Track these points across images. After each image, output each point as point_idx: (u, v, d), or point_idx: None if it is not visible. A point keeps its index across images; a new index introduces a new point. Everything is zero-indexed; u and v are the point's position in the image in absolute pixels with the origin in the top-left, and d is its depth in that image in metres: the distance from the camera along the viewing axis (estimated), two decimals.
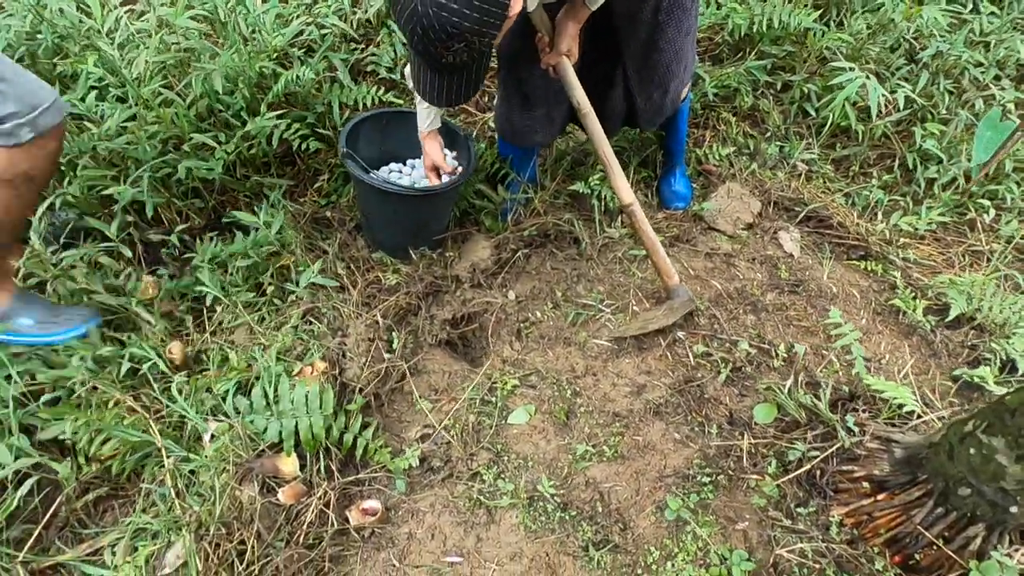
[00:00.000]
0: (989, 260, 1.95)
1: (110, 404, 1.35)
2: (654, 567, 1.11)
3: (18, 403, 1.30)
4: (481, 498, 1.30)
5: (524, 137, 1.79)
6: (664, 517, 1.15)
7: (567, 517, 1.24)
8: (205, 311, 1.64)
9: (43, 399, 1.30)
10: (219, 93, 1.72)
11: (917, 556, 1.00)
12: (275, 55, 1.94)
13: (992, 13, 2.38)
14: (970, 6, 2.46)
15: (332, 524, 1.30)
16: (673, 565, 1.10)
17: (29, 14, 1.80)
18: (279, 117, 1.82)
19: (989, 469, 0.89)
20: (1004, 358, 1.48)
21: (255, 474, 1.33)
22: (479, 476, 1.33)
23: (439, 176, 1.71)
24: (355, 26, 2.17)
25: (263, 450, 1.35)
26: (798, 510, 1.12)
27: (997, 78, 2.30)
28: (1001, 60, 2.33)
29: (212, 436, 1.35)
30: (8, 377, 1.30)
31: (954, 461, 0.94)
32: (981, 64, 2.28)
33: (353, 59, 2.15)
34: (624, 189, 1.63)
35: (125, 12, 1.87)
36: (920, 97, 2.20)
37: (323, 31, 2.09)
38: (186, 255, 1.75)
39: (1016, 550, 0.94)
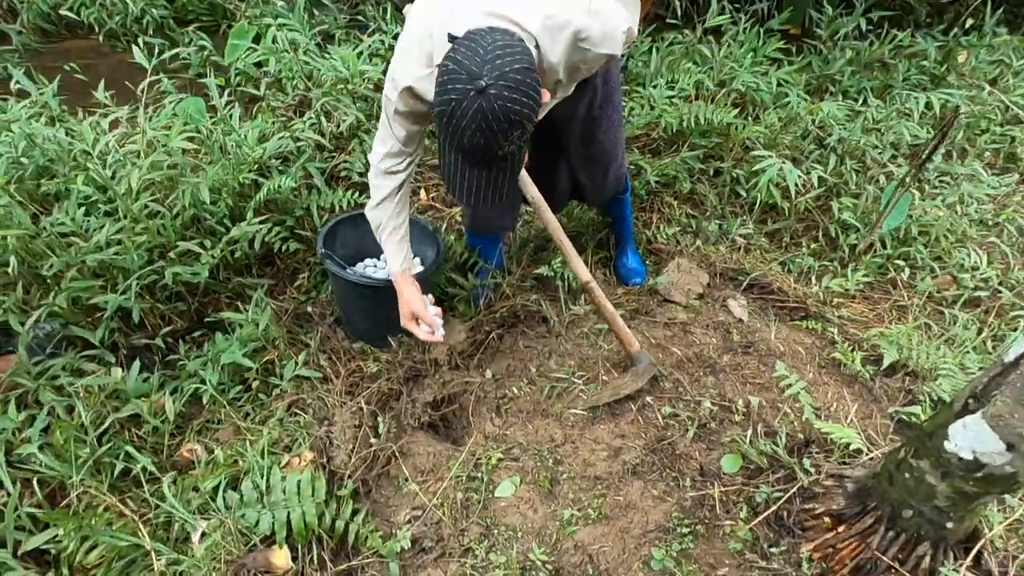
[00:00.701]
0: (911, 313, 2.18)
1: (100, 509, 1.35)
2: None
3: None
4: (475, 574, 1.33)
5: (490, 225, 1.96)
6: (651, 570, 1.21)
7: None
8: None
9: (27, 506, 1.29)
10: (205, 203, 1.85)
11: None
12: (255, 166, 2.11)
13: (878, 105, 2.78)
14: (861, 100, 2.88)
15: None
16: None
17: (23, 141, 1.93)
18: (261, 222, 1.96)
19: (922, 490, 1.01)
20: (934, 398, 1.65)
21: (247, 570, 1.33)
22: (471, 551, 1.37)
23: (417, 323, 1.60)
24: (328, 137, 2.37)
25: (255, 544, 1.36)
26: (771, 550, 1.21)
27: (893, 156, 2.67)
28: (894, 142, 2.70)
29: (203, 534, 1.35)
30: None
31: (894, 486, 1.06)
32: (878, 146, 2.64)
33: (328, 167, 2.34)
34: (581, 269, 1.80)
35: (114, 136, 2.02)
36: (832, 176, 2.52)
37: (299, 143, 2.28)
38: (168, 357, 1.80)
39: (961, 564, 1.04)
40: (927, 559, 1.05)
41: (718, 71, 2.76)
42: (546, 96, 1.21)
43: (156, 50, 2.34)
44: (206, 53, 3.02)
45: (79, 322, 1.77)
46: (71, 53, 3.58)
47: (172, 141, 1.79)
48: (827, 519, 1.17)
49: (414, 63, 1.27)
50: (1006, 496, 1.19)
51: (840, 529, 1.14)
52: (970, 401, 0.93)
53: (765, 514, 1.24)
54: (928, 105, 2.66)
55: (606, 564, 1.26)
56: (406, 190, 1.58)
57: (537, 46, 1.22)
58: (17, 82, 2.20)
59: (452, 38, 1.13)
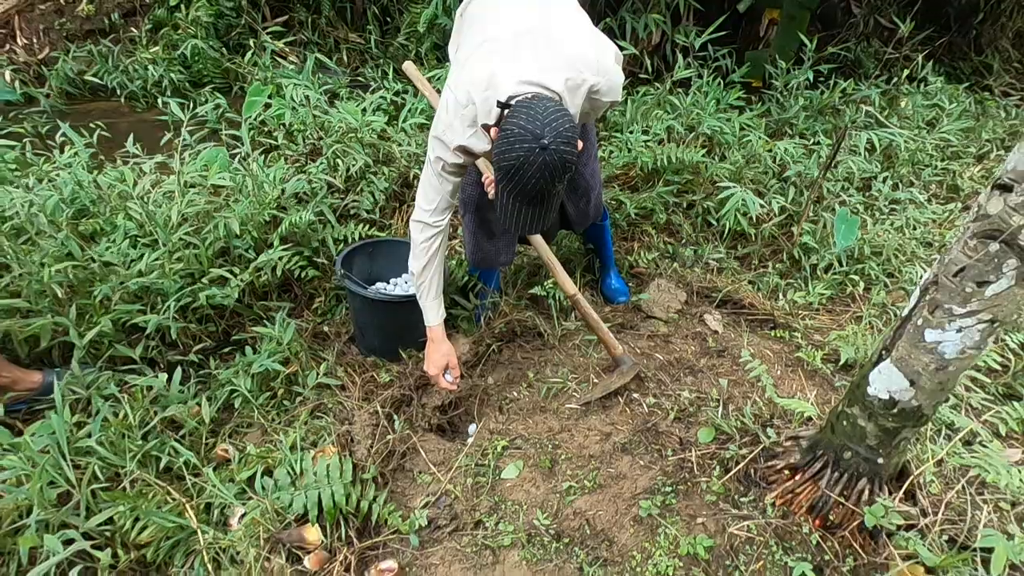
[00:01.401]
0: (867, 321, 2.42)
1: (149, 495, 1.52)
2: (639, 568, 1.33)
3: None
4: (486, 542, 1.50)
5: (492, 261, 2.18)
6: (641, 528, 1.39)
7: (561, 546, 1.45)
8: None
9: (92, 487, 1.46)
10: (237, 234, 2.09)
11: (831, 516, 1.27)
12: (275, 205, 2.36)
13: (829, 144, 3.13)
14: (812, 140, 3.23)
15: None
16: (652, 561, 1.32)
17: (70, 185, 2.17)
18: (283, 251, 2.19)
19: (856, 433, 1.22)
20: None
21: (283, 544, 1.49)
22: (482, 524, 1.54)
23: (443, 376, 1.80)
24: (340, 179, 2.64)
25: (289, 523, 1.52)
26: (741, 500, 1.39)
27: (844, 188, 2.98)
28: (846, 175, 3.03)
29: (243, 515, 1.52)
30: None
31: (836, 434, 1.26)
32: (831, 179, 2.96)
33: (340, 205, 2.60)
34: (567, 283, 2.04)
35: (148, 180, 2.28)
36: (792, 205, 2.82)
37: (312, 185, 2.55)
38: (201, 371, 1.99)
39: (892, 496, 1.24)
40: (866, 492, 1.24)
41: (687, 117, 3.10)
42: (579, 144, 1.47)
43: (180, 107, 2.61)
44: (221, 110, 3.33)
45: (120, 340, 1.97)
46: (94, 113, 3.89)
47: (211, 179, 2.04)
48: (786, 471, 1.37)
49: (460, 126, 1.51)
50: (929, 445, 1.40)
51: (796, 478, 1.34)
52: (883, 352, 1.16)
53: (734, 471, 1.43)
54: (870, 142, 3.00)
55: (602, 525, 1.44)
56: (446, 236, 1.76)
57: (560, 102, 1.50)
58: (63, 134, 2.46)
59: (505, 105, 1.38)
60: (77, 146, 2.43)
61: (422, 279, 1.74)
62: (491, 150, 1.56)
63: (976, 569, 1.20)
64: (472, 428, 1.91)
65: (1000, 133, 3.76)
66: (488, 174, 1.96)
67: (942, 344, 1.03)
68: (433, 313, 1.78)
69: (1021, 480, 1.35)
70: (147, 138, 2.75)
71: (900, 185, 3.18)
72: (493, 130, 1.47)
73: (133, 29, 4.38)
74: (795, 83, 3.52)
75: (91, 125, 2.82)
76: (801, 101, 3.47)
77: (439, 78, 3.41)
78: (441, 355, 1.79)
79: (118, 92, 3.96)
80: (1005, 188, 0.87)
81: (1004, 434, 1.73)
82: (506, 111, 1.39)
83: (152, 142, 2.76)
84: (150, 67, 3.98)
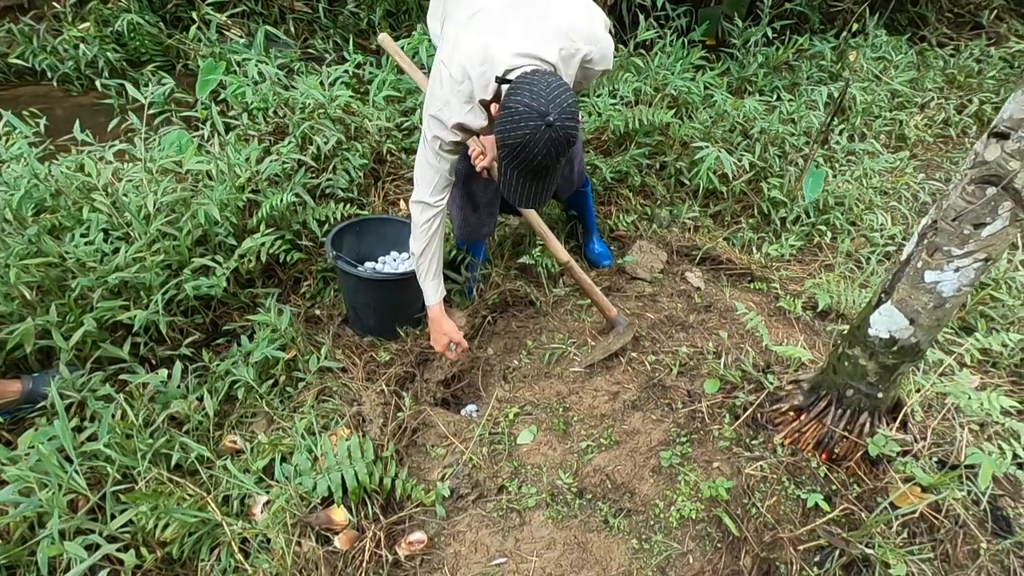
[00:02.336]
0: (836, 268, 2.57)
1: (166, 492, 1.49)
2: (662, 515, 1.41)
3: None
4: (510, 505, 1.55)
5: (477, 232, 2.18)
6: (660, 478, 1.47)
7: (584, 502, 1.52)
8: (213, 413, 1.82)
9: (111, 489, 1.42)
10: (218, 221, 2.01)
11: (836, 450, 1.39)
12: (251, 188, 2.28)
13: (790, 100, 3.23)
14: (775, 96, 3.33)
15: (387, 560, 1.48)
16: (675, 507, 1.41)
17: (27, 178, 2.03)
18: (264, 236, 2.13)
19: (858, 371, 1.32)
20: None
21: (311, 527, 1.50)
22: (505, 489, 1.59)
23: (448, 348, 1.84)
24: (315, 158, 2.56)
25: (315, 506, 1.53)
26: (752, 443, 1.49)
27: (806, 142, 3.10)
28: (806, 129, 3.15)
29: (268, 502, 1.51)
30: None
31: (838, 374, 1.36)
32: (794, 134, 3.08)
33: (312, 184, 2.52)
34: (560, 251, 2.07)
35: (110, 169, 2.15)
36: (760, 161, 2.92)
37: (284, 165, 2.46)
38: (194, 365, 1.93)
39: (890, 427, 1.36)
40: (867, 425, 1.35)
41: (653, 79, 3.13)
42: None
43: (120, 89, 2.46)
44: (169, 91, 3.14)
45: (104, 340, 1.88)
46: (23, 99, 3.60)
47: (187, 164, 1.94)
48: (791, 413, 1.47)
49: (457, 103, 1.49)
50: (918, 377, 1.53)
51: (802, 418, 1.44)
52: (882, 295, 1.25)
53: (743, 417, 1.52)
54: (830, 96, 3.11)
55: (621, 479, 1.51)
56: (444, 228, 1.76)
57: (555, 71, 1.49)
58: (6, 123, 2.28)
59: (503, 80, 1.37)
60: (25, 134, 2.27)
61: (422, 259, 1.74)
62: (491, 126, 1.55)
63: (962, 483, 1.34)
64: (469, 408, 1.93)
65: (940, 82, 3.96)
66: (475, 147, 1.95)
67: (940, 284, 1.12)
68: (432, 293, 1.79)
69: (984, 404, 1.49)
70: (88, 123, 2.56)
71: (855, 136, 3.33)
72: (493, 106, 1.46)
73: (55, 4, 4.03)
74: (753, 40, 3.59)
75: (24, 112, 2.62)
76: (760, 58, 3.55)
77: (401, 48, 3.30)
78: (443, 333, 1.81)
79: (48, 75, 3.67)
80: (1002, 136, 0.95)
81: (968, 363, 1.89)
82: (505, 87, 1.38)
83: (95, 127, 2.57)
84: (81, 46, 3.70)
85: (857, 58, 3.79)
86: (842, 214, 2.81)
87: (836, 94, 3.09)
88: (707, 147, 2.65)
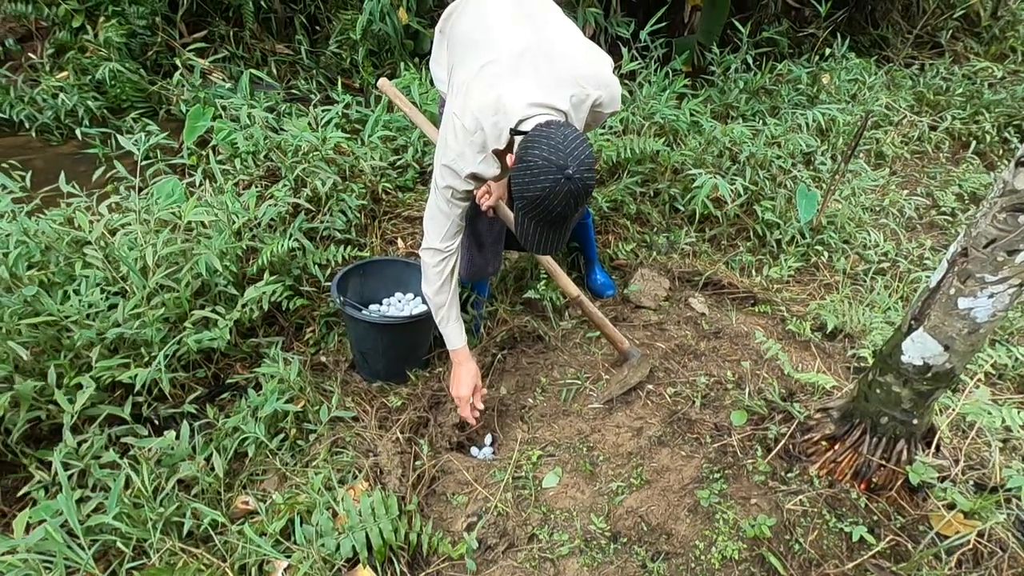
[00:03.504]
0: (836, 289, 2.60)
1: (179, 564, 1.40)
2: (703, 557, 1.37)
3: None
4: (543, 554, 1.49)
5: (482, 272, 2.15)
6: (697, 518, 1.44)
7: (620, 546, 1.47)
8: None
9: (127, 565, 1.33)
10: (218, 271, 1.95)
11: (874, 479, 1.37)
12: (250, 235, 2.23)
13: (776, 123, 3.31)
14: (760, 121, 3.40)
15: None
16: (717, 548, 1.37)
17: (16, 235, 1.95)
18: (266, 283, 2.07)
19: (891, 398, 1.31)
20: (874, 348, 2.02)
21: None
22: (535, 537, 1.54)
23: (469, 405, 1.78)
24: (311, 201, 2.52)
25: (339, 569, 1.46)
26: (788, 476, 1.47)
27: (793, 164, 3.17)
28: (791, 152, 3.22)
29: (289, 567, 1.43)
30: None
31: (870, 402, 1.36)
32: (780, 156, 3.14)
33: (309, 228, 2.48)
34: (569, 285, 2.05)
35: (103, 221, 2.08)
36: (751, 185, 2.96)
37: (280, 209, 2.42)
38: (198, 422, 1.85)
39: (926, 452, 1.35)
40: (905, 452, 1.35)
41: (643, 108, 3.18)
42: None
43: (103, 138, 2.41)
44: (154, 141, 3.07)
45: (103, 400, 1.80)
46: (1, 151, 3.51)
47: (187, 215, 1.89)
48: (824, 443, 1.45)
49: (471, 153, 1.49)
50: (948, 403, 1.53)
51: (836, 447, 1.42)
52: (912, 322, 1.25)
53: (776, 449, 1.50)
54: (814, 119, 3.20)
55: (656, 520, 1.47)
56: (457, 270, 1.73)
57: (567, 118, 1.49)
58: None
59: (518, 132, 1.37)
60: (11, 190, 2.19)
61: (439, 303, 1.71)
62: (503, 173, 1.55)
63: (1001, 506, 1.33)
64: (486, 451, 1.89)
65: (911, 100, 4.10)
66: (483, 187, 1.94)
67: (974, 310, 1.13)
68: (456, 336, 1.75)
69: (1007, 420, 1.49)
70: (70, 173, 2.48)
71: (838, 156, 3.41)
72: (509, 157, 1.45)
73: (32, 55, 3.98)
74: (733, 67, 3.69)
75: (4, 165, 2.54)
76: (740, 84, 3.64)
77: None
78: (470, 376, 1.77)
79: (27, 125, 3.59)
80: None
81: (983, 378, 1.90)
82: (519, 138, 1.38)
83: (77, 177, 2.50)
84: (60, 95, 3.64)
85: (831, 80, 3.91)
86: (835, 233, 2.86)
87: (819, 117, 3.17)
88: (701, 173, 2.69)
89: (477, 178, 1.54)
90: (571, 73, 1.48)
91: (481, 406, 1.83)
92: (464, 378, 1.77)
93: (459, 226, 1.65)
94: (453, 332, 1.74)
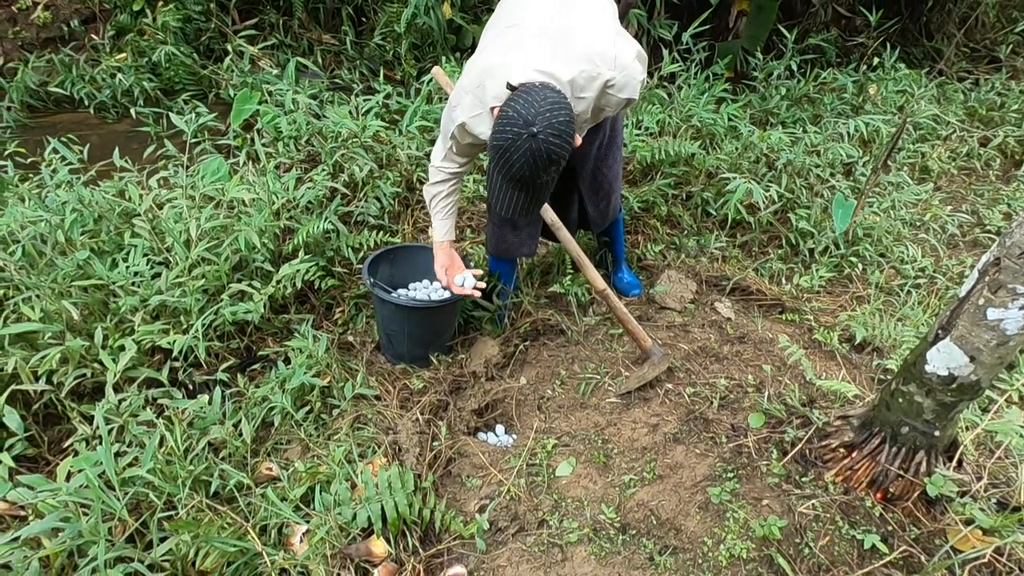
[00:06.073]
0: (868, 301, 2.55)
1: (205, 520, 1.48)
2: (710, 554, 1.38)
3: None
4: (552, 540, 1.52)
5: (514, 251, 2.19)
6: (707, 515, 1.44)
7: (628, 538, 1.48)
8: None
9: (156, 516, 1.41)
10: (256, 247, 2.03)
11: (891, 489, 1.35)
12: (288, 215, 2.31)
13: (815, 132, 3.25)
14: (801, 129, 3.35)
15: None
16: (725, 546, 1.37)
17: (74, 203, 2.07)
18: (301, 262, 2.14)
19: (913, 408, 1.29)
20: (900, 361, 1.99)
21: (351, 559, 1.47)
22: (545, 523, 1.56)
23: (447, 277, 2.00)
24: (347, 186, 2.60)
25: (354, 537, 1.51)
26: (802, 480, 1.46)
27: (832, 174, 3.11)
28: (831, 161, 3.16)
29: (307, 531, 1.49)
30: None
31: (891, 411, 1.34)
32: (819, 165, 3.09)
33: (344, 212, 2.55)
34: (596, 279, 2.07)
35: (152, 195, 2.19)
36: (786, 192, 2.93)
37: (318, 191, 2.50)
38: (229, 390, 1.93)
39: (947, 466, 1.32)
40: (923, 464, 1.32)
41: (678, 110, 3.17)
42: (577, 140, 1.51)
43: (155, 117, 2.52)
44: (203, 121, 3.20)
45: (143, 363, 1.89)
46: (60, 126, 3.69)
47: (230, 192, 1.98)
48: (842, 450, 1.44)
49: (469, 103, 1.57)
50: (975, 418, 1.50)
51: (853, 455, 1.41)
52: (939, 332, 1.24)
53: (792, 453, 1.50)
54: (856, 129, 3.13)
55: (666, 514, 1.48)
56: (458, 183, 1.88)
57: (563, 93, 1.52)
58: (53, 149, 2.34)
59: (510, 86, 1.42)
60: (71, 162, 2.32)
61: (430, 196, 1.87)
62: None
63: (1022, 524, 1.30)
64: (503, 438, 1.93)
65: (961, 115, 3.98)
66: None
67: (1004, 321, 1.11)
68: (438, 230, 1.92)
69: None
70: (123, 150, 2.62)
71: (879, 168, 3.34)
72: (496, 110, 1.50)
73: (94, 36, 4.17)
74: (776, 73, 3.64)
75: (61, 139, 2.68)
76: (782, 91, 3.59)
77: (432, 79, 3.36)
78: (440, 265, 1.96)
79: (85, 103, 3.77)
80: None
81: (1016, 400, 1.85)
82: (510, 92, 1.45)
83: (130, 154, 2.63)
84: (118, 76, 3.81)
85: (878, 91, 3.82)
86: (871, 245, 2.80)
87: (862, 127, 3.11)
88: (736, 178, 2.66)
89: (467, 132, 1.61)
90: (587, 50, 1.52)
91: (464, 291, 1.97)
92: (435, 266, 1.98)
93: (458, 165, 1.79)
94: (436, 225, 1.92)
